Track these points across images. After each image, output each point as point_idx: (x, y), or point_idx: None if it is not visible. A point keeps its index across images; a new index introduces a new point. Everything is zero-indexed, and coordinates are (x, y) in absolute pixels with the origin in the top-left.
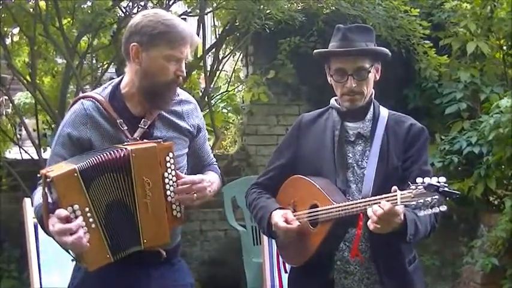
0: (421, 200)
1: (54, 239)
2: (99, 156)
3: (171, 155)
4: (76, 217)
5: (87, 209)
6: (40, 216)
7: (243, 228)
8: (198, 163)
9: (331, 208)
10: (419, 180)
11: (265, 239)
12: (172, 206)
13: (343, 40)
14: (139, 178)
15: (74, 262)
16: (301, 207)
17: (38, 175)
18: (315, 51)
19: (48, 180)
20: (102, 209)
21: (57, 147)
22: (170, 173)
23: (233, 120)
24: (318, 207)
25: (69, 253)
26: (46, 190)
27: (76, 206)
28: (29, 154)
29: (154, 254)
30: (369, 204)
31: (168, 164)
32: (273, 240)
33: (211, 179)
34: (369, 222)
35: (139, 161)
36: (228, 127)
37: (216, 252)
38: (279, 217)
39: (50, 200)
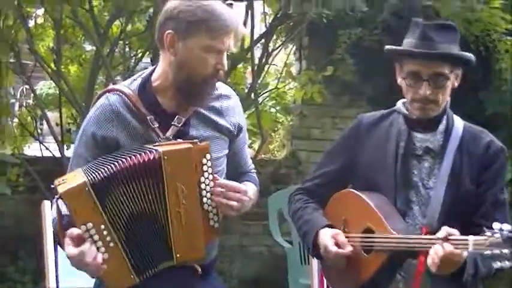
0: (497, 251)
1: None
2: (120, 162)
3: (208, 157)
4: (91, 236)
5: (102, 227)
6: (56, 232)
7: (290, 244)
8: (234, 169)
9: (389, 238)
10: (496, 226)
11: (314, 260)
12: (209, 215)
13: (423, 39)
14: (171, 184)
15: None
16: (353, 228)
17: (52, 186)
18: (387, 47)
19: (58, 196)
20: (123, 223)
21: (80, 148)
22: (207, 178)
23: (282, 122)
24: (372, 231)
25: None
26: (59, 204)
27: (90, 225)
28: (50, 151)
29: (188, 269)
30: (434, 243)
31: (205, 168)
32: None
33: (250, 194)
34: (429, 262)
35: (173, 164)
36: (276, 129)
37: (258, 270)
38: (328, 239)
39: (63, 214)
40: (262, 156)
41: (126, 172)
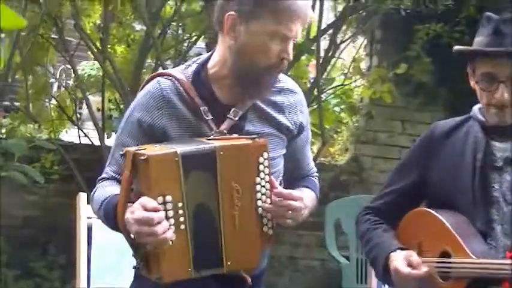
0: None
1: (124, 233)
2: (191, 145)
3: (265, 155)
4: (165, 211)
5: (180, 205)
6: (112, 206)
7: (346, 260)
8: (293, 171)
9: (468, 263)
10: None
11: (373, 278)
12: (263, 221)
13: (495, 35)
14: (226, 183)
15: (133, 278)
16: (429, 251)
17: (121, 153)
18: (456, 48)
19: (141, 159)
20: (193, 209)
21: (123, 136)
22: (263, 179)
23: (346, 123)
24: (449, 255)
25: (135, 257)
26: (131, 172)
27: (168, 198)
28: (89, 138)
29: (236, 280)
30: None
31: (261, 167)
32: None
33: (306, 202)
34: None
35: (228, 161)
36: (339, 130)
37: (308, 286)
38: (400, 260)
39: (133, 186)
40: (322, 159)
41: (196, 157)
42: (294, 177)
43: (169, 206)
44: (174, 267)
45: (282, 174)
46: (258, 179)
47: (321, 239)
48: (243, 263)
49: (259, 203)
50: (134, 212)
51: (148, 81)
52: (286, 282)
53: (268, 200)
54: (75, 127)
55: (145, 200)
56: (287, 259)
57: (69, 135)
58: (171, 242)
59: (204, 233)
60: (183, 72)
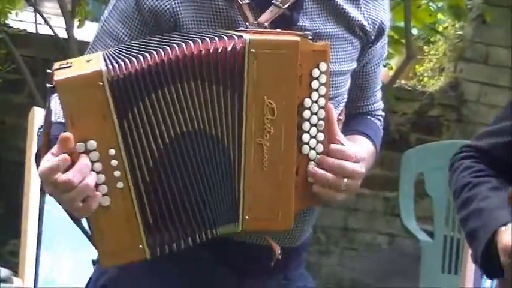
0: None
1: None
2: (175, 46)
3: (323, 67)
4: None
5: (112, 152)
6: (39, 147)
7: (428, 237)
8: (352, 101)
9: None
10: None
11: (469, 264)
12: (308, 165)
13: None
14: (256, 98)
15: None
16: None
17: (48, 70)
18: None
19: (49, 86)
20: (155, 150)
21: (111, 21)
22: (316, 102)
23: (445, 28)
24: None
25: (79, 227)
26: (51, 103)
27: (92, 144)
28: (50, 27)
29: (257, 249)
30: None
31: (315, 84)
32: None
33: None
34: None
35: (263, 65)
36: (433, 40)
37: (367, 271)
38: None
39: (55, 122)
40: (403, 82)
41: (181, 64)
42: (350, 111)
43: (94, 155)
44: (114, 244)
45: (344, 101)
46: (308, 102)
47: (392, 204)
48: (271, 221)
49: (306, 137)
50: (49, 159)
51: None
52: (335, 264)
53: (321, 136)
54: (31, 8)
55: (61, 142)
56: (338, 231)
57: (21, 19)
58: (94, 207)
59: (198, 176)
60: None
